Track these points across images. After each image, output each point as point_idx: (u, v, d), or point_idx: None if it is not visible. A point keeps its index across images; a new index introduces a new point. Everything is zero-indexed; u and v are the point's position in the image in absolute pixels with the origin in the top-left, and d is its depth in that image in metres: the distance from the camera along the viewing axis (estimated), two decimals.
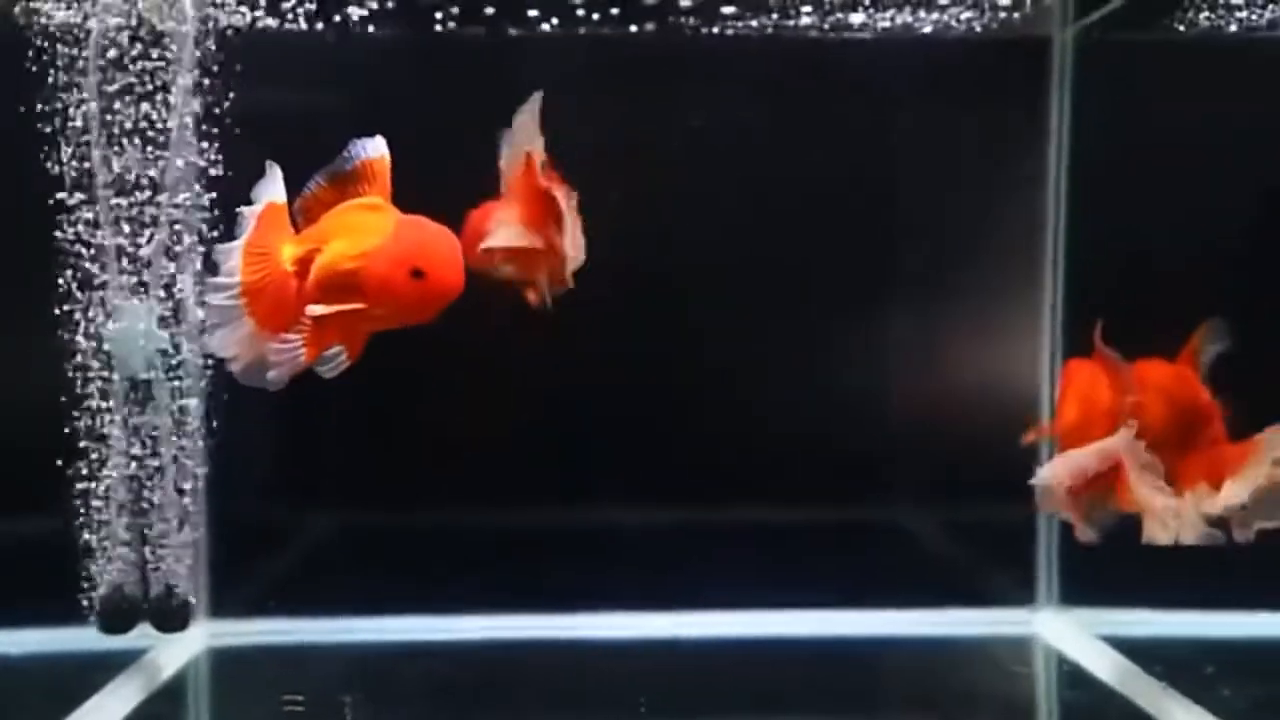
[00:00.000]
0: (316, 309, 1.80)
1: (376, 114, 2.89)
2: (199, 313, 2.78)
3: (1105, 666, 2.91)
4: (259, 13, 2.97)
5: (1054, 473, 2.35)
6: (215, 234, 2.79)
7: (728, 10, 3.07)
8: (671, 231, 3.19)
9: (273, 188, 1.91)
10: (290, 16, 3.01)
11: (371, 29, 3.07)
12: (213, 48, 2.80)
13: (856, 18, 3.12)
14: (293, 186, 1.91)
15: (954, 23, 3.14)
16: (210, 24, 2.82)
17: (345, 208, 1.85)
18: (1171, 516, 2.29)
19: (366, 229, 1.80)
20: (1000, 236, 3.31)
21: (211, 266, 1.92)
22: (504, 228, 2.37)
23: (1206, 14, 3.01)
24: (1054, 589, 3.31)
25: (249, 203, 1.91)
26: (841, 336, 3.30)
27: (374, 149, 1.85)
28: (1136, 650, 2.90)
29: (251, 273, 1.84)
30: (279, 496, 3.25)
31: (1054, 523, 3.28)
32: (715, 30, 3.14)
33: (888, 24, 3.14)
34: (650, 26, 3.13)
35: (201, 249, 2.81)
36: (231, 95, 2.80)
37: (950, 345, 3.34)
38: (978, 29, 3.17)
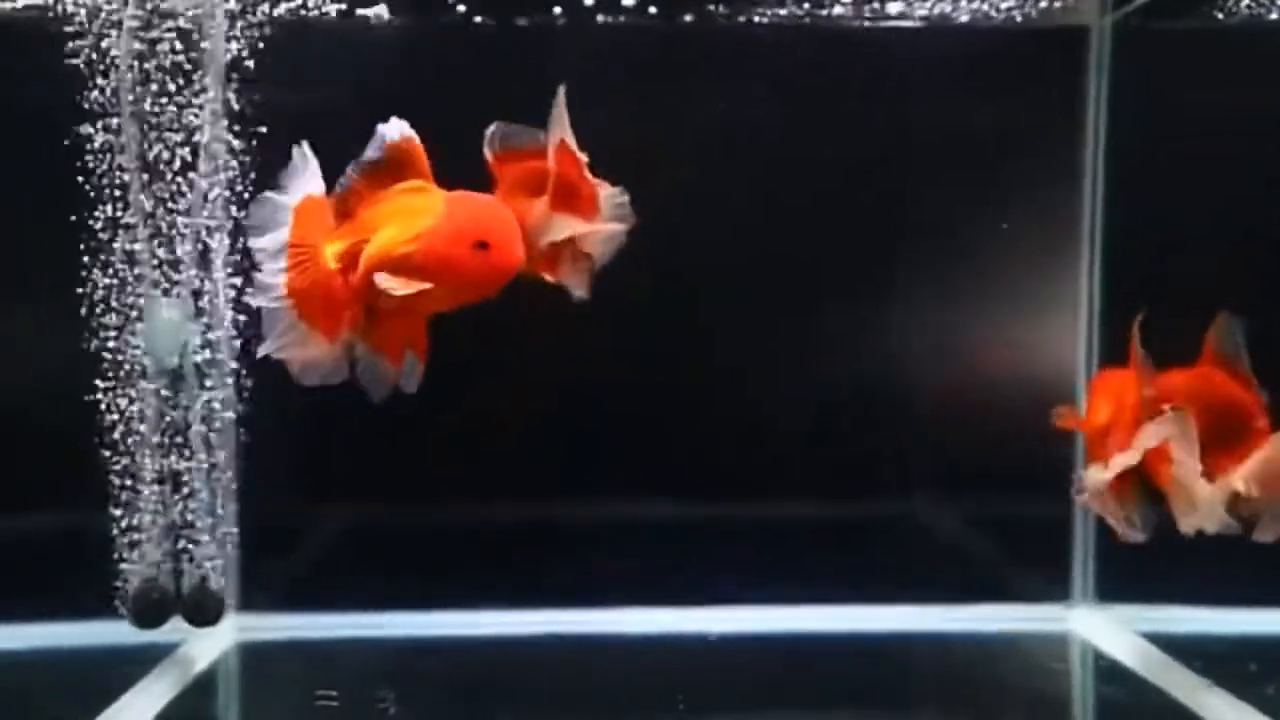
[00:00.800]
0: (389, 282, 1.73)
1: (384, 106, 2.87)
2: (229, 311, 2.77)
3: (1144, 662, 2.88)
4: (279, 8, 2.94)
5: (1101, 477, 2.32)
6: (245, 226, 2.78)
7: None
8: (690, 225, 3.16)
9: (308, 177, 1.87)
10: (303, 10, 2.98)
11: (372, 18, 3.04)
12: (241, 43, 2.78)
13: (895, 6, 3.10)
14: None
15: (993, 11, 3.11)
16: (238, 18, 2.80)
17: (386, 195, 1.81)
18: (1201, 502, 2.27)
19: (416, 211, 1.77)
20: (1036, 225, 3.27)
21: (250, 262, 1.89)
22: (560, 220, 2.23)
23: (1247, 1, 2.96)
24: (1090, 584, 3.27)
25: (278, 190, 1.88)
26: (875, 327, 3.27)
27: (400, 131, 1.81)
28: (1175, 646, 2.87)
29: (296, 273, 1.81)
30: (307, 493, 3.24)
31: (1089, 517, 3.24)
32: (746, 19, 3.11)
33: (926, 12, 3.11)
34: (685, 17, 3.10)
35: (232, 243, 2.80)
36: (259, 90, 2.79)
37: (985, 337, 3.30)
38: (1016, 17, 3.14)
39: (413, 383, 1.87)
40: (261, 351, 1.86)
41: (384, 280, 1.74)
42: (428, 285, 1.73)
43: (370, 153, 1.83)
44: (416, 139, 1.82)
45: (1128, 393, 2.37)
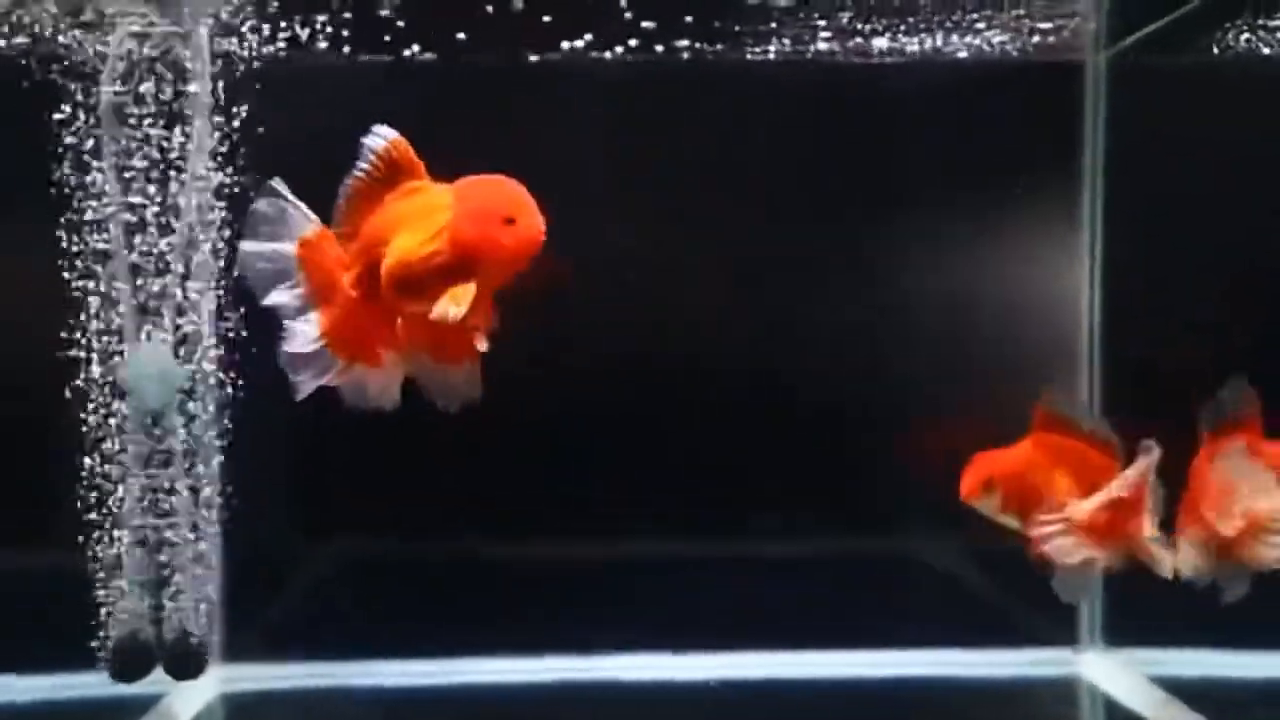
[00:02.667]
0: (451, 309, 1.64)
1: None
2: (212, 353, 2.73)
3: (1155, 709, 2.82)
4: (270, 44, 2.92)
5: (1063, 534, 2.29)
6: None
7: (747, 35, 3.04)
8: (678, 264, 3.15)
9: (294, 216, 1.81)
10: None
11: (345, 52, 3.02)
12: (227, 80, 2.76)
13: (890, 42, 3.09)
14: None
15: (988, 46, 3.11)
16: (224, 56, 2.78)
17: (387, 204, 1.75)
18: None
19: (427, 210, 1.71)
20: (1033, 262, 3.25)
21: (264, 313, 1.81)
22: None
23: (1246, 36, 2.96)
24: (1098, 628, 3.21)
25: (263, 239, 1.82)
26: (870, 365, 3.23)
27: (386, 135, 1.75)
28: (1186, 692, 2.82)
29: (327, 313, 1.75)
30: (293, 537, 3.18)
31: None
32: (737, 57, 3.10)
33: (921, 48, 3.11)
34: (675, 52, 3.08)
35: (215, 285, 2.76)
36: (246, 127, 2.77)
37: (985, 374, 3.26)
38: (1012, 53, 3.14)
39: (476, 387, 1.80)
40: (304, 394, 1.79)
41: (447, 309, 1.66)
42: (472, 285, 1.66)
43: (360, 166, 1.77)
44: (402, 139, 1.76)
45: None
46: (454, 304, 1.65)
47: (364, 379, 1.80)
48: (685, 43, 3.06)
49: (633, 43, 3.03)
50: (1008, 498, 2.34)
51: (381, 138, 1.76)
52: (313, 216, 1.82)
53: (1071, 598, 2.36)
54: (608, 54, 3.06)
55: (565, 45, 3.02)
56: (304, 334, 1.77)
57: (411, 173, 1.76)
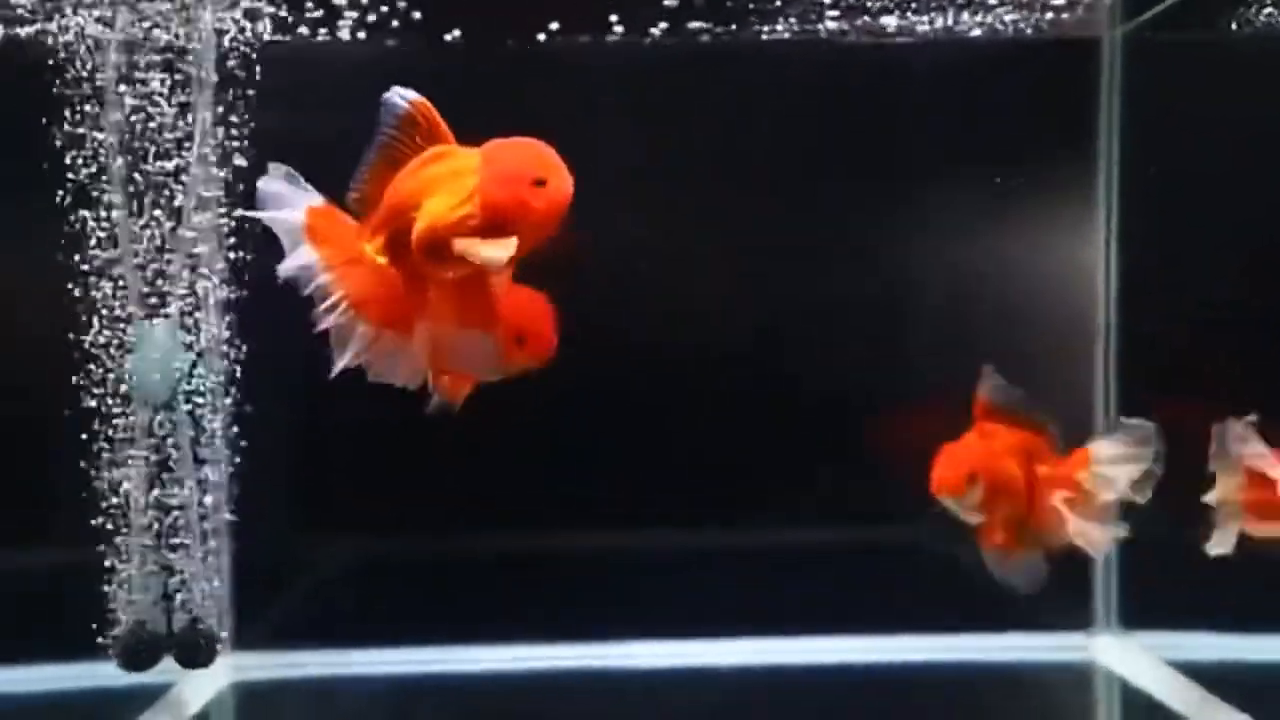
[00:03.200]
0: (492, 252, 1.63)
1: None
2: (220, 337, 2.70)
3: (1173, 694, 2.79)
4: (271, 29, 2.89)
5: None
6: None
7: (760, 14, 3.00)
8: (689, 249, 3.12)
9: (296, 191, 1.79)
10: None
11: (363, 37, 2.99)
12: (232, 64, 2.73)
13: (905, 21, 3.05)
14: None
15: (1003, 24, 3.07)
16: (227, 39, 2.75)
17: (413, 169, 1.72)
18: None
19: (455, 173, 1.68)
20: (1049, 239, 3.22)
21: (282, 290, 1.79)
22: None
23: (1268, 10, 2.91)
24: (1113, 611, 3.19)
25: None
26: (884, 350, 3.20)
27: (407, 98, 1.72)
28: (1206, 676, 2.78)
29: (350, 282, 1.73)
30: (303, 526, 3.17)
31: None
32: (752, 37, 3.06)
33: (936, 26, 3.07)
34: (684, 31, 3.04)
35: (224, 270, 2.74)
36: (252, 112, 2.74)
37: (1000, 354, 3.22)
38: (1027, 30, 3.09)
39: (495, 356, 1.80)
40: (339, 367, 1.78)
41: (493, 254, 1.63)
42: (513, 240, 1.63)
43: (385, 129, 1.73)
44: (425, 101, 1.73)
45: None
46: (497, 250, 1.63)
47: (392, 354, 1.78)
48: (697, 25, 3.03)
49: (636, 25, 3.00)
50: (987, 491, 2.25)
51: (404, 100, 1.72)
52: (316, 194, 1.80)
53: (1029, 587, 2.32)
54: (609, 37, 3.03)
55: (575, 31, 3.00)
56: (330, 306, 1.75)
57: (436, 136, 1.73)
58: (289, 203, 1.78)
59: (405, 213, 1.70)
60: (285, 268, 1.77)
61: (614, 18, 2.97)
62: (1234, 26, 2.97)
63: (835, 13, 3.00)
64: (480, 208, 1.64)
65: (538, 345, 1.84)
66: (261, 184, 1.78)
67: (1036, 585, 2.33)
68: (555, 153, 1.67)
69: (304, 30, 2.91)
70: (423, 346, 1.77)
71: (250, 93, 2.75)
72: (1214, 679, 2.75)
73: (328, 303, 1.75)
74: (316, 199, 1.79)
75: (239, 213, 1.79)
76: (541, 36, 3.00)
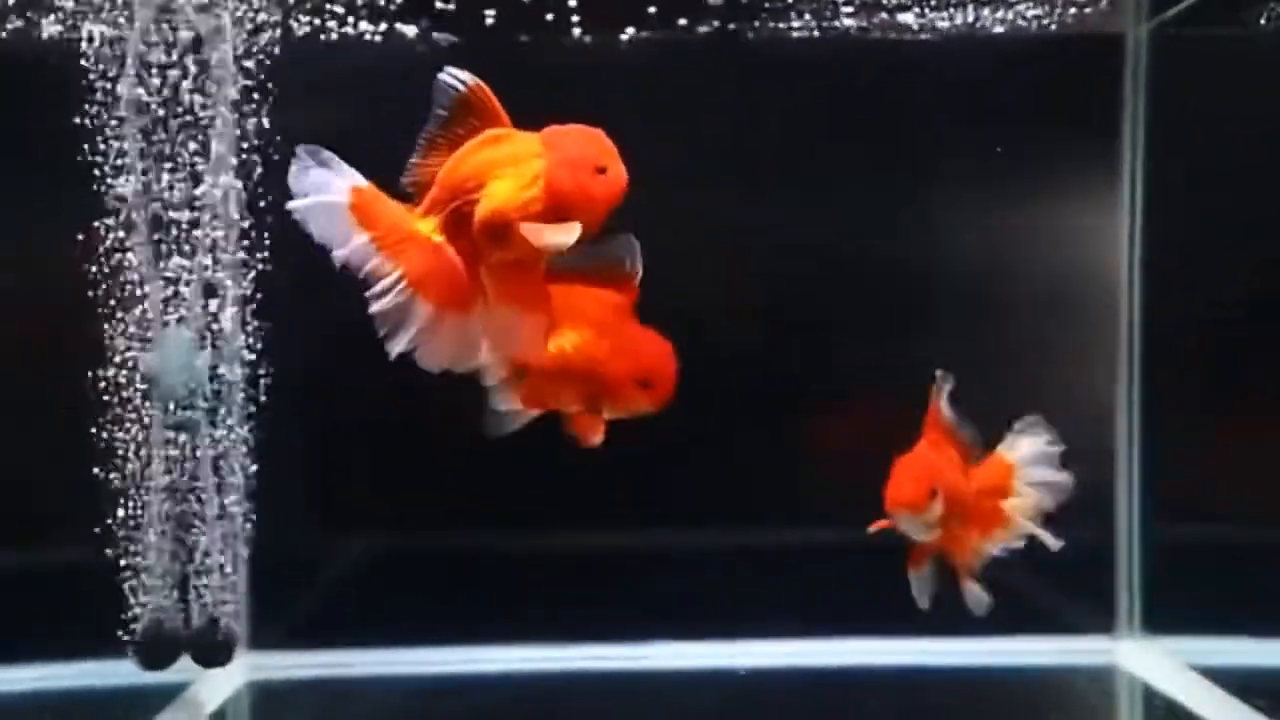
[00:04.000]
0: (556, 236, 1.63)
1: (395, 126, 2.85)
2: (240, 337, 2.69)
3: (1199, 700, 2.74)
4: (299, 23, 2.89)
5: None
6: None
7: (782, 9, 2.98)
8: (704, 246, 3.08)
9: (332, 173, 1.75)
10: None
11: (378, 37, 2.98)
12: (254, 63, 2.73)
13: (926, 18, 3.02)
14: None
15: (1026, 20, 3.04)
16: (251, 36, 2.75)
17: (469, 151, 1.71)
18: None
19: (516, 157, 1.68)
20: (1074, 237, 3.19)
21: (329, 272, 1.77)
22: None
23: None
24: (1136, 614, 3.15)
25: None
26: (902, 351, 3.15)
27: (462, 79, 1.71)
28: (1233, 682, 2.74)
29: (405, 261, 1.70)
30: (321, 525, 3.17)
31: (1135, 542, 3.13)
32: (772, 32, 3.04)
33: (958, 23, 3.04)
34: (702, 28, 3.03)
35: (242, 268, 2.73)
36: (274, 111, 2.73)
37: (1020, 356, 3.20)
38: (1051, 26, 3.06)
39: (544, 340, 1.79)
40: (399, 349, 1.73)
41: (554, 236, 1.64)
42: (577, 225, 1.65)
43: (439, 109, 1.73)
44: (481, 83, 1.72)
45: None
46: (562, 234, 1.64)
47: (444, 337, 1.75)
48: (713, 23, 3.01)
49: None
50: (945, 505, 2.19)
51: (459, 81, 1.72)
52: (357, 175, 1.77)
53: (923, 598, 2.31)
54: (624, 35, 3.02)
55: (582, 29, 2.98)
56: (388, 287, 1.71)
57: (491, 116, 1.73)
58: (326, 185, 1.74)
59: (463, 194, 1.70)
60: (339, 253, 1.72)
61: (621, 15, 2.96)
62: (1260, 21, 2.93)
63: (851, 9, 2.98)
64: (546, 193, 1.64)
65: (660, 389, 1.85)
66: (294, 169, 1.74)
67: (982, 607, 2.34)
68: (608, 139, 1.69)
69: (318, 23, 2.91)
70: (481, 327, 1.76)
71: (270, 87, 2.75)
72: (1238, 683, 2.71)
73: (385, 282, 1.71)
74: (357, 178, 1.76)
75: (288, 205, 1.72)
76: (551, 32, 2.99)
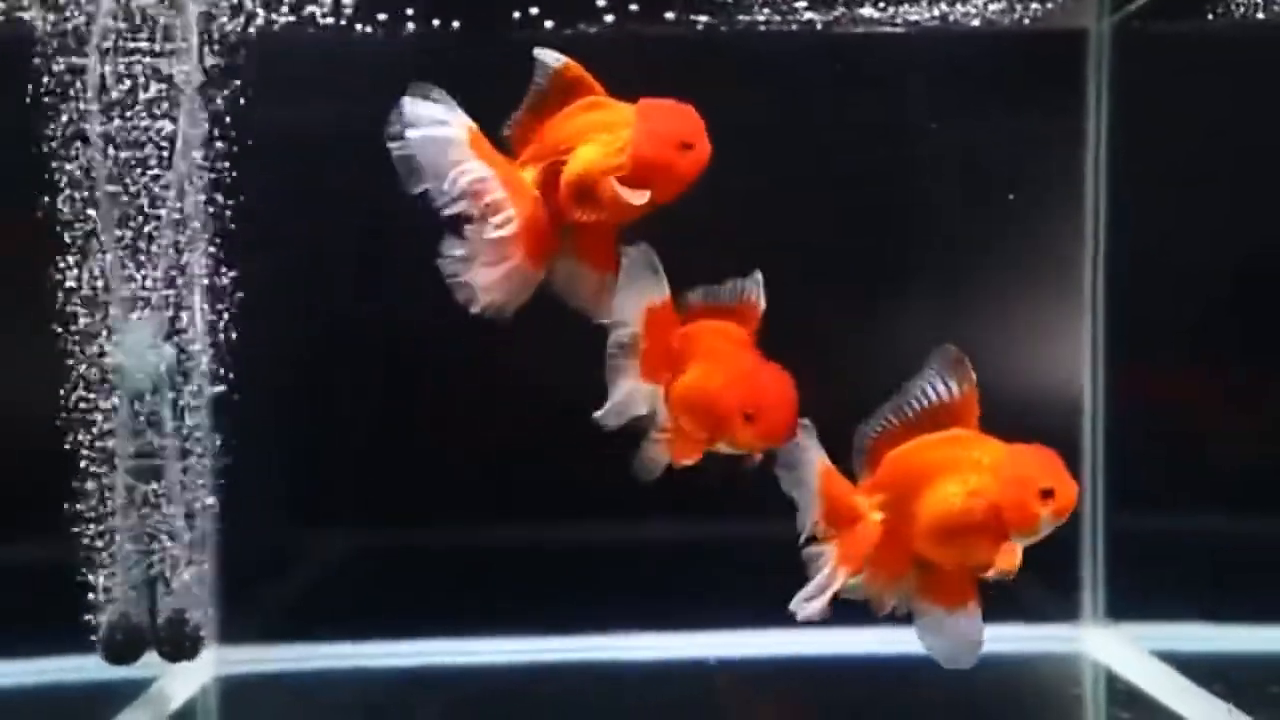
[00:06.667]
0: (628, 195, 1.74)
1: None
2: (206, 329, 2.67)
3: (1161, 686, 2.79)
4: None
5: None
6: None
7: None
8: (686, 239, 3.09)
9: (446, 109, 1.80)
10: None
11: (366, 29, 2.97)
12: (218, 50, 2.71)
13: (890, 11, 3.04)
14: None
15: (990, 15, 3.06)
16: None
17: (565, 116, 1.82)
18: None
19: (609, 125, 1.79)
20: (1037, 231, 3.20)
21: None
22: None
23: (1246, 2, 2.91)
24: (1100, 602, 3.18)
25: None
26: (869, 341, 3.18)
27: (558, 56, 1.83)
28: (1193, 668, 2.78)
29: (518, 206, 1.78)
30: (289, 519, 3.15)
31: (1099, 531, 3.17)
32: (737, 26, 3.05)
33: (923, 17, 3.06)
34: (666, 21, 3.03)
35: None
36: (240, 100, 2.72)
37: (986, 350, 3.20)
38: (1014, 21, 3.09)
39: (605, 300, 1.87)
40: (478, 283, 1.79)
41: (625, 193, 1.75)
42: (647, 193, 1.76)
43: (537, 81, 1.83)
44: (573, 62, 1.83)
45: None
46: (634, 196, 1.75)
47: (512, 279, 1.81)
48: (670, 15, 3.01)
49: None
50: None
51: (556, 57, 1.83)
52: (466, 118, 1.82)
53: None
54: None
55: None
56: (502, 220, 1.77)
57: (588, 89, 1.84)
58: (443, 120, 1.79)
59: (558, 153, 1.81)
60: (462, 180, 1.76)
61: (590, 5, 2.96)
62: (1220, 16, 2.97)
63: (803, 3, 3.00)
64: (631, 160, 1.75)
65: (765, 423, 1.84)
66: (406, 104, 1.78)
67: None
68: (699, 117, 1.79)
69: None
70: (532, 283, 1.83)
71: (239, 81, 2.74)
72: (1198, 669, 2.76)
73: (500, 217, 1.77)
74: (467, 119, 1.81)
75: (393, 142, 1.76)
76: (520, 25, 2.98)
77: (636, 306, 1.87)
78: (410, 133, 1.76)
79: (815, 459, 1.92)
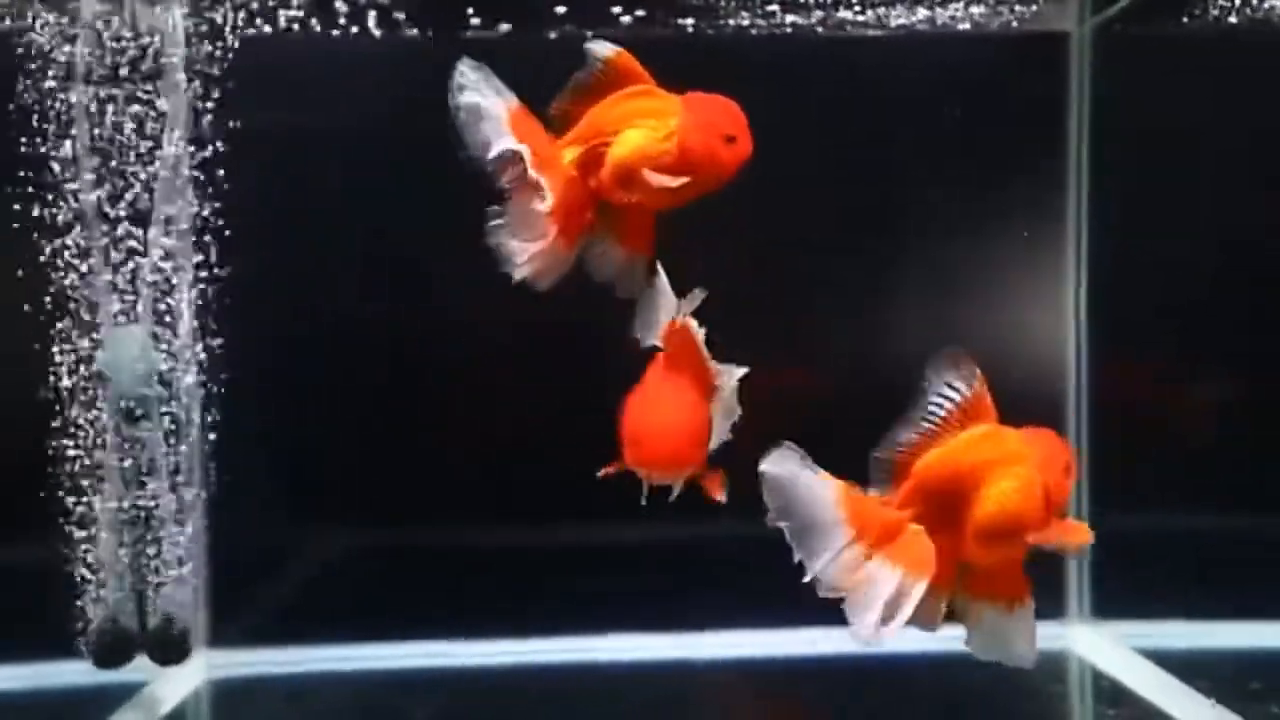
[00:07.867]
0: (661, 179, 1.78)
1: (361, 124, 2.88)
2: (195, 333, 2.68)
3: (1145, 682, 2.81)
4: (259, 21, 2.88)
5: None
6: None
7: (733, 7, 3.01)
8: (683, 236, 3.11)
9: (494, 85, 1.83)
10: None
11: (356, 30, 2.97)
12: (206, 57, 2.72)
13: (874, 15, 3.06)
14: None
15: (971, 18, 3.09)
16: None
17: (612, 102, 1.84)
18: None
19: (656, 112, 1.82)
20: (1020, 233, 3.23)
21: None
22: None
23: (1227, 4, 2.93)
24: (1085, 600, 3.21)
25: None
26: (857, 340, 3.22)
27: (609, 48, 1.85)
28: (1177, 664, 2.80)
29: (552, 181, 1.80)
30: (279, 521, 3.15)
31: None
32: (722, 30, 3.07)
33: (905, 20, 3.08)
34: (657, 26, 3.05)
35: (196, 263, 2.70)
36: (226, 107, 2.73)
37: (969, 350, 3.24)
38: (995, 25, 3.11)
39: (645, 279, 1.93)
40: (523, 270, 1.83)
41: (657, 178, 1.78)
42: (687, 180, 1.79)
43: (582, 74, 1.85)
44: (625, 52, 1.85)
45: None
46: (671, 181, 1.79)
47: (545, 255, 1.84)
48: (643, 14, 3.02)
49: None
50: None
51: (607, 48, 1.85)
52: (513, 98, 1.84)
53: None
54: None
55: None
56: (538, 197, 1.80)
57: (637, 78, 1.86)
58: (488, 94, 1.82)
59: (602, 136, 1.84)
60: (494, 154, 1.79)
61: (561, 10, 2.97)
62: (1200, 19, 2.99)
63: (775, 6, 3.02)
64: (677, 148, 1.79)
65: (644, 453, 1.99)
66: (457, 76, 1.82)
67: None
68: (742, 113, 1.82)
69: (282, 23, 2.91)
70: (566, 262, 1.86)
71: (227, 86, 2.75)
72: (1183, 666, 2.77)
73: (534, 196, 1.80)
74: (514, 99, 1.84)
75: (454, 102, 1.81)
76: (504, 28, 2.99)
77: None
78: (457, 100, 1.80)
79: (828, 483, 1.86)
